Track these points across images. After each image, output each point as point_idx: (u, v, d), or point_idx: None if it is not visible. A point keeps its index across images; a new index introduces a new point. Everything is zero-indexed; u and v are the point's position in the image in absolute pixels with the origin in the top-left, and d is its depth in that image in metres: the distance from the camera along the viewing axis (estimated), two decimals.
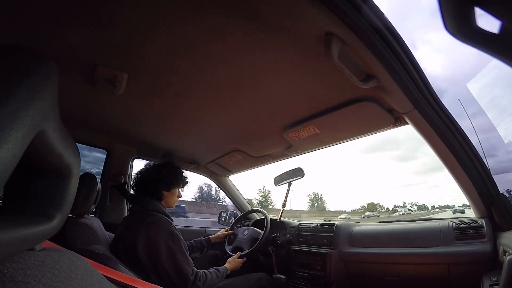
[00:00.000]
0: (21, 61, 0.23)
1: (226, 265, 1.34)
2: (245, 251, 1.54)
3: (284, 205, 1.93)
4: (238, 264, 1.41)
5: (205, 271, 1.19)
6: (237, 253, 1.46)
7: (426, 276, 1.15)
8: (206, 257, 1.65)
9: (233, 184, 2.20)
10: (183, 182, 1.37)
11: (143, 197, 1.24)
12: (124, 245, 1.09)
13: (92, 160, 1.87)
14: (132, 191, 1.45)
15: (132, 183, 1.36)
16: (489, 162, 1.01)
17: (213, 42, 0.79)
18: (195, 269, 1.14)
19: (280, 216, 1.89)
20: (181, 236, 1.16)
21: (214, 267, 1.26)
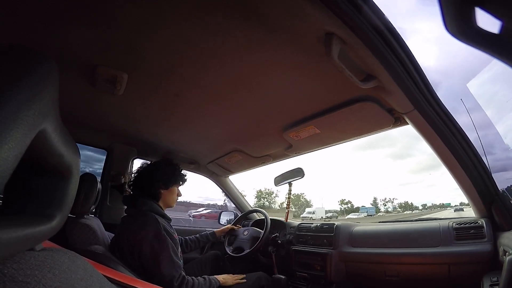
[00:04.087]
0: (21, 61, 0.23)
1: (219, 277, 1.25)
2: (257, 242, 1.52)
3: (288, 206, 1.94)
4: (231, 283, 1.28)
5: (194, 278, 1.12)
6: (238, 276, 1.34)
7: (426, 276, 1.15)
8: (207, 257, 1.64)
9: (233, 184, 2.20)
10: (182, 179, 1.34)
11: (137, 198, 1.21)
12: (121, 246, 1.09)
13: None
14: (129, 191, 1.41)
15: (129, 182, 1.33)
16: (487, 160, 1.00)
17: (213, 42, 0.79)
18: (183, 273, 1.09)
19: (287, 218, 1.89)
20: (169, 237, 1.10)
21: (203, 276, 1.19)
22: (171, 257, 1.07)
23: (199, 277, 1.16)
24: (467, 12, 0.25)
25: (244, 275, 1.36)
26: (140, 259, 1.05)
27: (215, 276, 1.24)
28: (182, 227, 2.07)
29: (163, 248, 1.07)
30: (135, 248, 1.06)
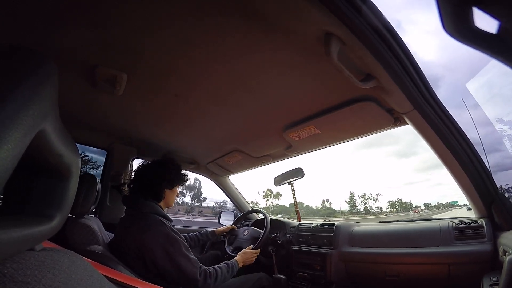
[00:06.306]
0: (21, 61, 0.23)
1: (237, 257, 1.28)
2: (257, 242, 1.51)
3: (296, 206, 1.95)
4: (251, 256, 1.33)
5: (215, 267, 1.13)
6: (250, 246, 1.41)
7: (426, 276, 1.14)
8: (207, 258, 1.65)
9: (233, 184, 2.20)
10: (183, 179, 1.33)
11: (138, 199, 1.18)
12: (122, 247, 1.08)
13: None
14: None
15: (127, 182, 1.30)
16: (495, 157, 1.00)
17: (213, 42, 0.79)
18: (203, 266, 1.09)
19: (299, 218, 1.90)
20: (179, 237, 1.10)
21: (224, 262, 1.20)
22: (186, 255, 1.07)
23: (221, 264, 1.18)
24: (465, 12, 0.25)
25: (259, 250, 1.43)
26: (157, 266, 1.03)
27: (235, 259, 1.27)
28: (182, 227, 2.07)
29: (178, 248, 1.07)
30: (146, 256, 1.03)
